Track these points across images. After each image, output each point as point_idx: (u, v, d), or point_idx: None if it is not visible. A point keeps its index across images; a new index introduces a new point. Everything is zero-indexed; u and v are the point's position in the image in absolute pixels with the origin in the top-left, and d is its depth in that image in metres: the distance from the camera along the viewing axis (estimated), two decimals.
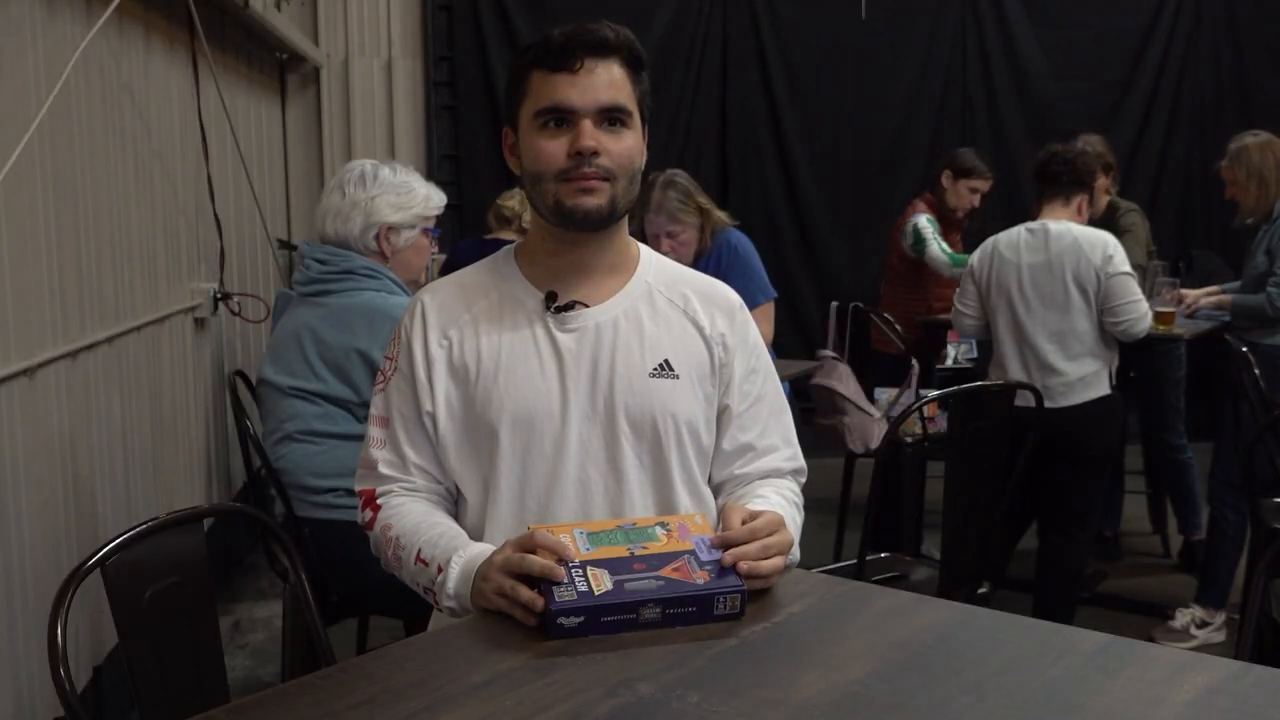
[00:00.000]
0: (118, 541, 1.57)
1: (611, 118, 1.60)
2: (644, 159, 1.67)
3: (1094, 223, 4.37)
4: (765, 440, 1.74)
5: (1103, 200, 4.49)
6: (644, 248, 1.77)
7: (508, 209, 4.87)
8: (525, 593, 1.39)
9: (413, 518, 1.64)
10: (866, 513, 2.82)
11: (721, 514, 1.55)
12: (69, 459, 2.74)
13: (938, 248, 4.59)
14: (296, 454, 2.66)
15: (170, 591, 1.64)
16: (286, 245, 5.26)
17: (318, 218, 2.78)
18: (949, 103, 6.48)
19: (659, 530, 1.48)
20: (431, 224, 2.85)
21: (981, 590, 2.92)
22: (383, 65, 5.94)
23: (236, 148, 4.29)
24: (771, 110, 6.31)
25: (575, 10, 4.94)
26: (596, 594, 1.36)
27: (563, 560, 1.40)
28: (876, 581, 2.92)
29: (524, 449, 1.62)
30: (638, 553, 1.43)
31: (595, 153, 1.58)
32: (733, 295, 1.77)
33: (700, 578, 1.40)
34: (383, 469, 1.69)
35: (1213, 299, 4.03)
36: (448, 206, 3.05)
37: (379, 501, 1.68)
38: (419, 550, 1.58)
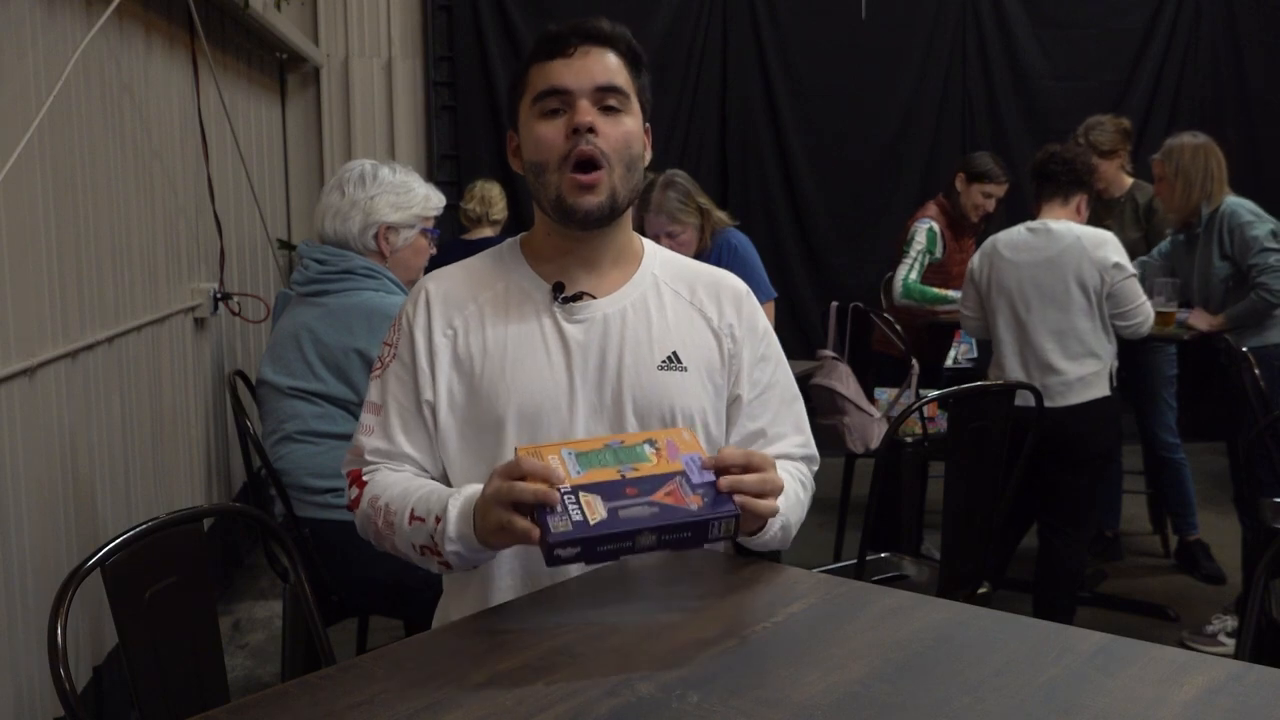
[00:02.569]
0: (118, 541, 1.57)
1: (609, 102, 1.61)
2: (646, 152, 1.67)
3: (1114, 202, 4.37)
4: (776, 427, 1.72)
5: (1125, 180, 4.46)
6: (647, 241, 1.77)
7: (470, 210, 5.16)
8: (520, 524, 1.36)
9: (400, 485, 1.61)
10: (866, 513, 2.82)
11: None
12: (69, 459, 2.74)
13: (905, 271, 4.38)
14: (296, 454, 2.66)
15: (170, 591, 1.63)
16: (286, 245, 5.27)
17: (317, 217, 2.78)
18: (949, 103, 6.49)
19: (647, 449, 1.45)
20: (430, 224, 2.85)
21: (981, 590, 2.92)
22: (383, 65, 5.94)
23: (236, 148, 4.29)
24: (772, 110, 6.31)
25: (576, 10, 4.94)
26: (592, 523, 1.33)
27: (554, 484, 1.37)
28: (876, 581, 2.92)
29: (530, 441, 1.61)
30: (629, 475, 1.40)
31: (591, 129, 1.58)
32: (739, 284, 1.76)
33: (694, 502, 1.38)
34: (369, 456, 1.66)
35: (1207, 323, 3.90)
36: (447, 207, 3.06)
37: (365, 479, 1.66)
38: (411, 509, 1.55)
